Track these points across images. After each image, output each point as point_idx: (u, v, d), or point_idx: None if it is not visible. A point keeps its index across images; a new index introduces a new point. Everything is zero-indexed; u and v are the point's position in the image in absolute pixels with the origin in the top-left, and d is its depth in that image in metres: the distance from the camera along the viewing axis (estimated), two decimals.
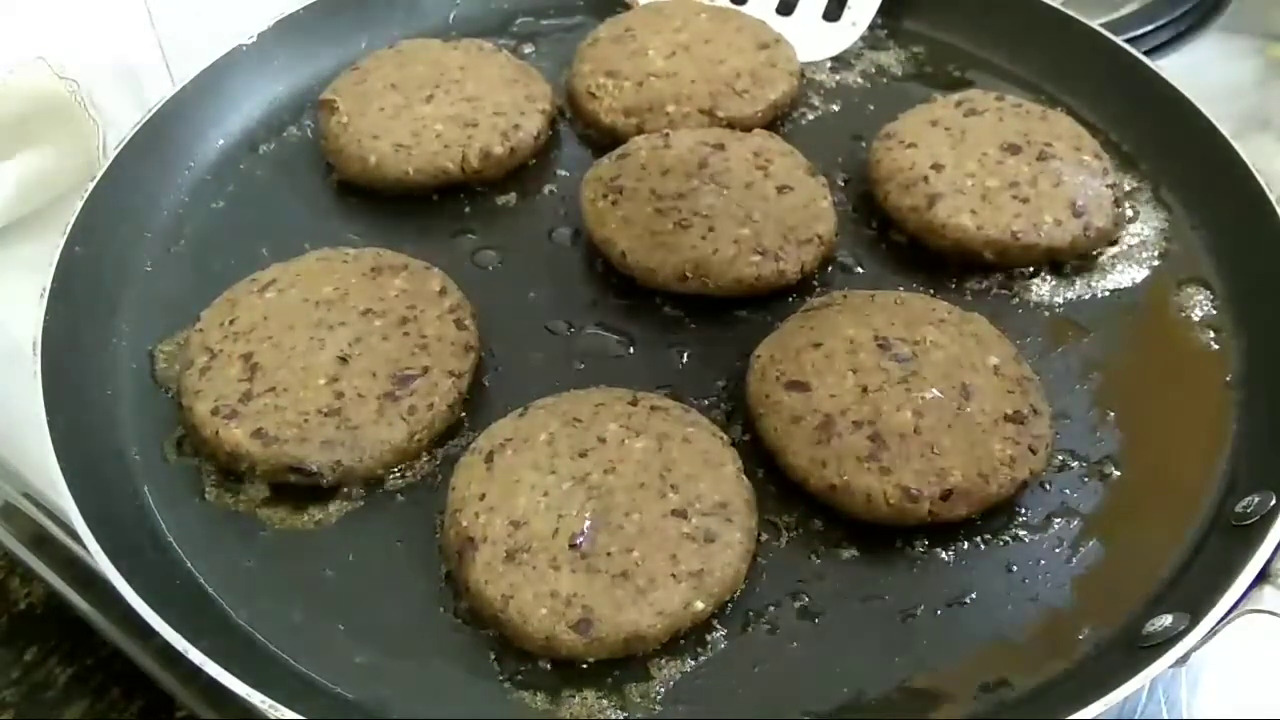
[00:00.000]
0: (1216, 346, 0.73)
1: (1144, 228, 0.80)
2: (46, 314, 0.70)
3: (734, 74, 0.88)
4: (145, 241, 0.80)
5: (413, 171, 0.82)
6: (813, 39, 0.95)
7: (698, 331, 0.75)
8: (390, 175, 0.82)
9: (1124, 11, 1.04)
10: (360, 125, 0.83)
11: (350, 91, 0.86)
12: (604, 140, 0.87)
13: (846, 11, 0.96)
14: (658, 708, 0.58)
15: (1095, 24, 0.90)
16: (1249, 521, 0.62)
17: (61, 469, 0.63)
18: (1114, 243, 0.79)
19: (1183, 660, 0.56)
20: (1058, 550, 0.64)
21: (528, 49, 0.96)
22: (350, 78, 0.88)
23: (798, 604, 0.62)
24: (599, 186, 0.78)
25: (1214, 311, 0.75)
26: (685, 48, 0.89)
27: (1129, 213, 0.81)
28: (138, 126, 0.82)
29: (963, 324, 0.70)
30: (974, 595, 0.62)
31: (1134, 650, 0.57)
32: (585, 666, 0.59)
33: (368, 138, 0.83)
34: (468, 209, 0.83)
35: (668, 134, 0.82)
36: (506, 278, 0.79)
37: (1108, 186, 0.78)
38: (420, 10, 0.98)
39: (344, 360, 0.68)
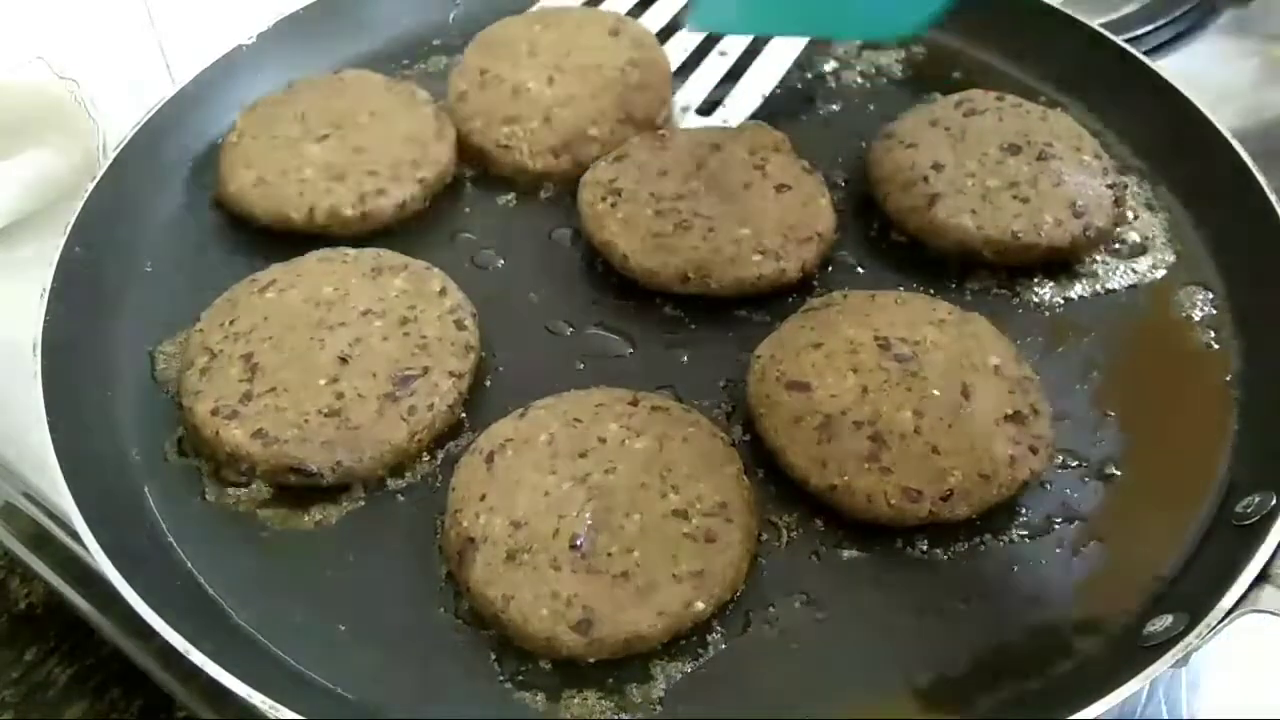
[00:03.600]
0: (1216, 346, 0.73)
1: (1144, 228, 0.80)
2: (46, 314, 0.70)
3: (619, 73, 0.86)
4: (145, 241, 0.80)
5: (259, 213, 0.78)
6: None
7: (698, 331, 0.75)
8: (239, 207, 0.79)
9: (1124, 11, 1.05)
10: (243, 149, 0.81)
11: (263, 111, 0.84)
12: (532, 185, 0.83)
13: (720, 110, 0.90)
14: (658, 708, 0.58)
15: (1095, 24, 0.90)
16: (1249, 521, 0.62)
17: (61, 469, 0.63)
18: (1114, 243, 0.79)
19: (1183, 660, 0.56)
20: (1058, 550, 0.64)
21: None
22: (277, 96, 0.85)
23: (798, 604, 0.62)
24: (598, 189, 0.78)
25: (1214, 311, 0.75)
26: (556, 68, 0.86)
27: (1129, 213, 0.81)
28: (138, 126, 0.82)
29: (963, 324, 0.70)
30: (974, 595, 0.62)
31: (1134, 650, 0.57)
32: (586, 667, 0.58)
33: (241, 164, 0.80)
34: (468, 209, 0.83)
35: (664, 135, 0.82)
36: (506, 278, 0.79)
37: (1108, 186, 0.78)
38: (420, 11, 0.97)
39: (344, 361, 0.68)
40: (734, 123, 0.88)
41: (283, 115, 0.84)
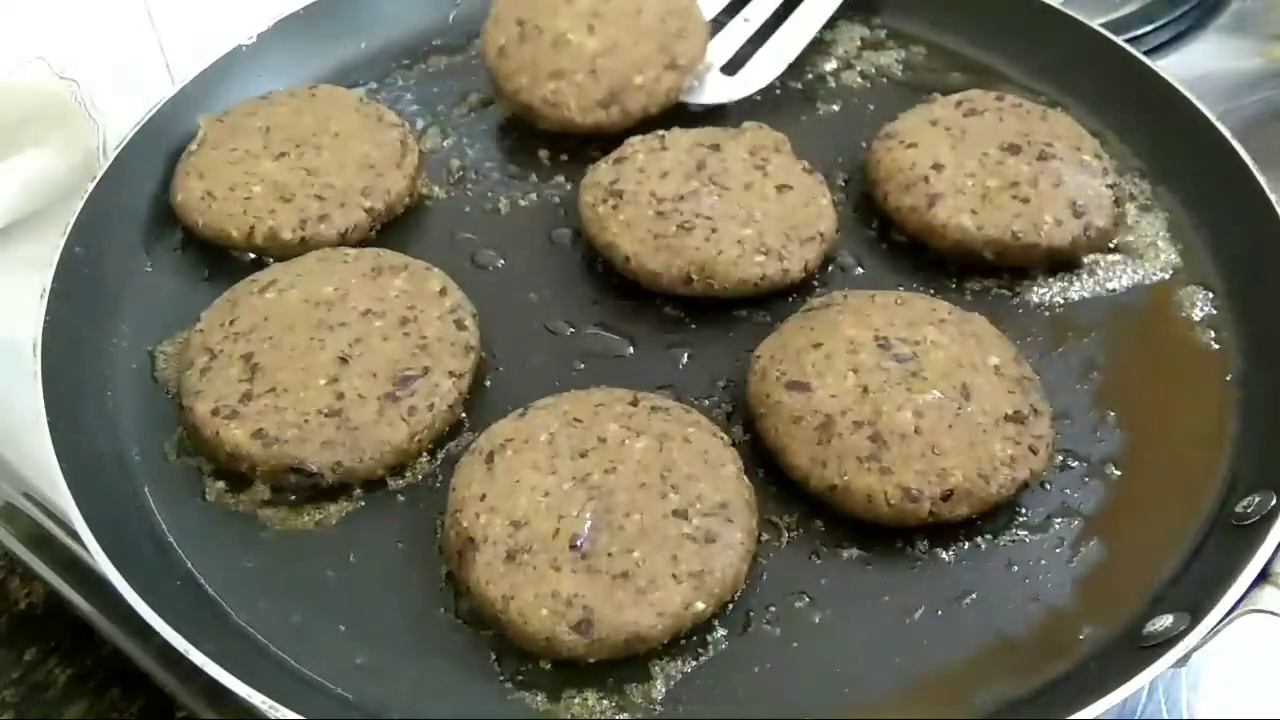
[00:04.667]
0: (1217, 346, 0.73)
1: (1144, 228, 0.80)
2: (46, 314, 0.70)
3: (659, 19, 0.85)
4: (145, 241, 0.80)
5: (201, 226, 0.77)
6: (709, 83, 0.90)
7: (698, 331, 0.75)
8: (186, 220, 0.78)
9: (1124, 11, 1.04)
10: (200, 159, 0.80)
11: (230, 121, 0.83)
12: (582, 135, 0.85)
13: (743, 71, 0.91)
14: (658, 708, 0.58)
15: (1095, 24, 0.90)
16: (1249, 521, 0.62)
17: (61, 469, 0.63)
18: (1114, 243, 0.79)
19: (1183, 660, 0.56)
20: (1058, 550, 0.64)
21: None
22: (247, 106, 0.84)
23: (799, 604, 0.62)
24: (598, 191, 0.78)
25: (1214, 311, 0.75)
26: (595, 14, 0.85)
27: (1129, 213, 0.81)
28: (138, 126, 0.82)
29: (963, 324, 0.70)
30: (974, 595, 0.62)
31: (1134, 650, 0.57)
32: (586, 667, 0.58)
33: (194, 175, 0.79)
34: (467, 209, 0.83)
35: (662, 135, 0.81)
36: (507, 278, 0.79)
37: (1108, 186, 0.78)
38: (420, 11, 0.97)
39: (344, 361, 0.68)
40: (756, 85, 0.89)
41: (247, 127, 0.82)
